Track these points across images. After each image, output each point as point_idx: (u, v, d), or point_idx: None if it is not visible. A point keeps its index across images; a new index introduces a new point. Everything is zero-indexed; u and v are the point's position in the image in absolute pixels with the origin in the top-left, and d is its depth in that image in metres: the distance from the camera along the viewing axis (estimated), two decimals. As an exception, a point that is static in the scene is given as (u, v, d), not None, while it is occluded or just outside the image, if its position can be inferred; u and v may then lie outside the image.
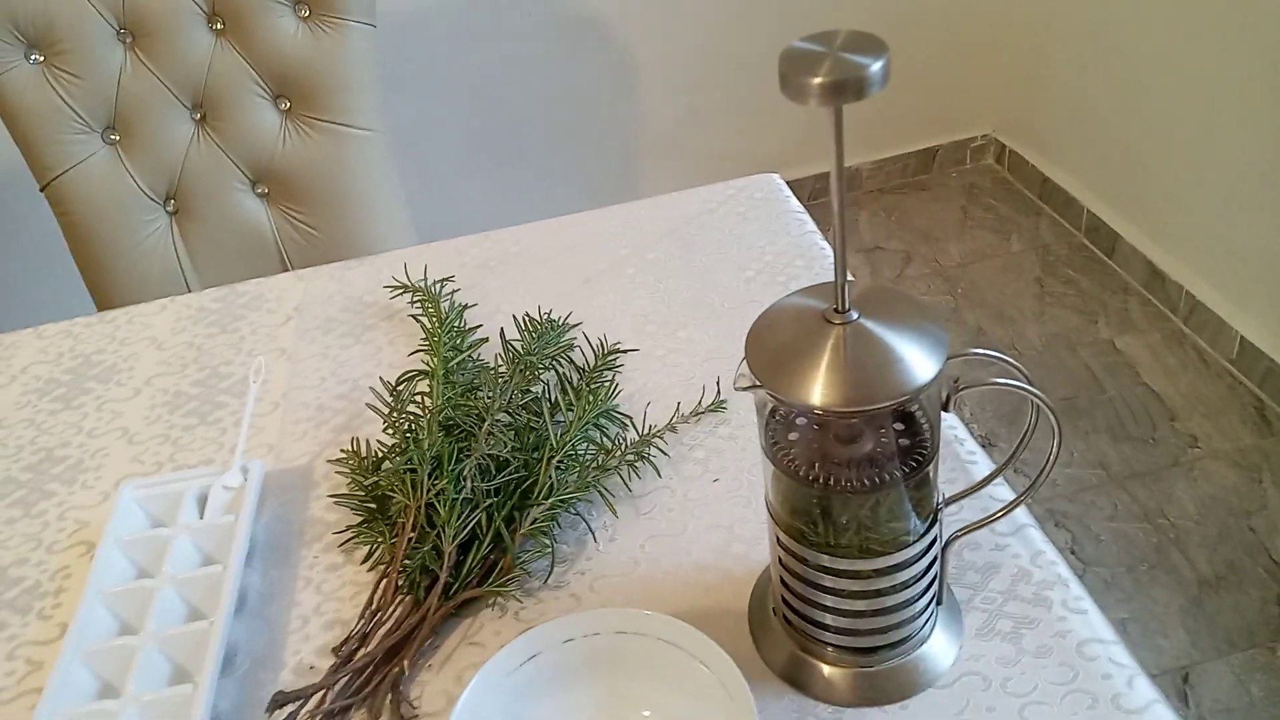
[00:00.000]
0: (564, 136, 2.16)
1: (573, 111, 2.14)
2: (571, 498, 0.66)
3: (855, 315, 0.47)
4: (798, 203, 0.94)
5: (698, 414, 0.75)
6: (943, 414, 0.51)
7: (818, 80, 0.38)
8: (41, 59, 1.19)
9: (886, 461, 0.50)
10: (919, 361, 0.46)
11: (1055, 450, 0.51)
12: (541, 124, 2.13)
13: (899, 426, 0.51)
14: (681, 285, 0.88)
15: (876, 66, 0.38)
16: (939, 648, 0.57)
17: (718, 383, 0.76)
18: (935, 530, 0.53)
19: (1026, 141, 2.36)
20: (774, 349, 0.47)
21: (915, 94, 2.31)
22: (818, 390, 0.45)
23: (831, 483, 0.49)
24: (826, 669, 0.56)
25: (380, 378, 0.77)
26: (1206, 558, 1.56)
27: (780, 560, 0.54)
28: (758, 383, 0.47)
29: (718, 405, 0.75)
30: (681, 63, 2.13)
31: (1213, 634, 1.46)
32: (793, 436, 0.52)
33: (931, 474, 0.51)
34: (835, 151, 0.42)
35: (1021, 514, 0.64)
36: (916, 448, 0.50)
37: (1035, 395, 0.50)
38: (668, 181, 2.28)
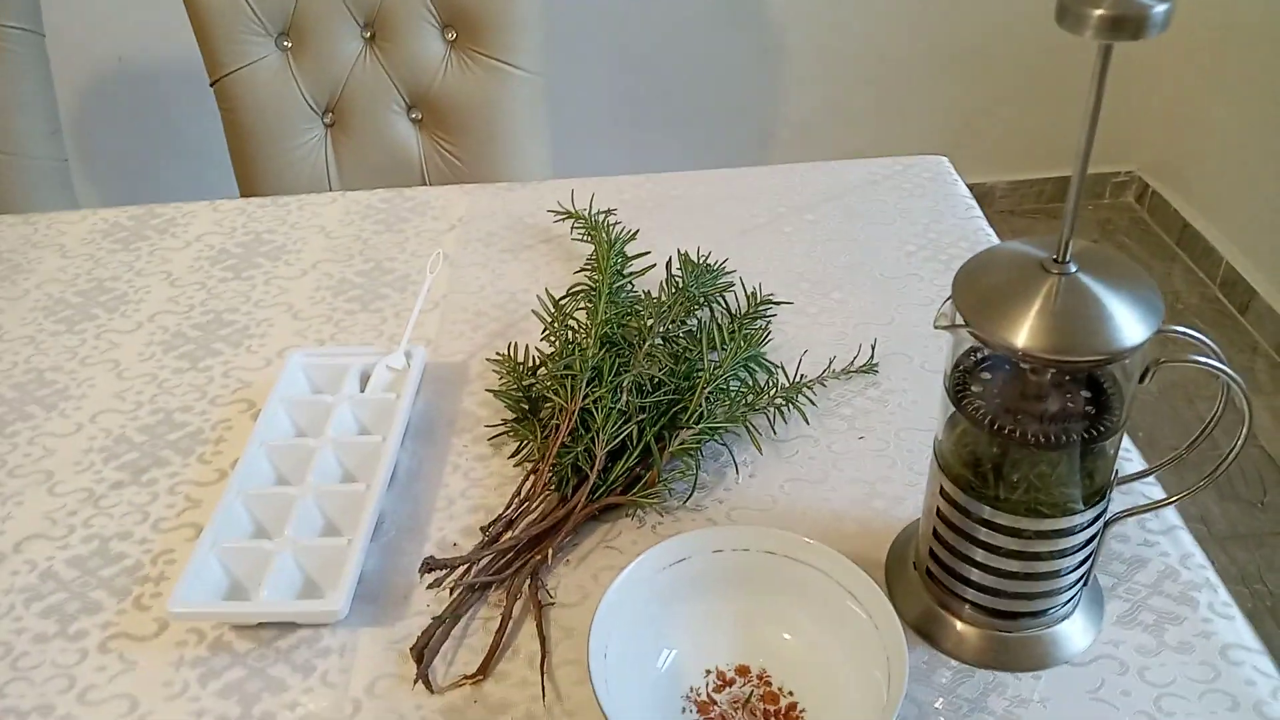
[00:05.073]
0: (704, 110, 2.17)
1: (717, 86, 2.14)
2: (720, 426, 0.67)
3: (1074, 268, 0.47)
4: (965, 188, 0.94)
5: (849, 372, 0.75)
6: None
7: (1099, 12, 0.38)
8: (232, -42, 1.24)
9: (1071, 422, 0.50)
10: (1129, 324, 0.46)
11: (1243, 436, 0.51)
12: (685, 93, 2.14)
13: (1087, 394, 0.51)
14: (839, 249, 0.88)
15: (1161, 9, 0.38)
16: (1079, 626, 0.57)
17: (873, 345, 0.77)
18: (1103, 505, 0.53)
19: (1172, 184, 2.30)
20: (984, 289, 0.47)
21: (1064, 119, 2.26)
22: (1024, 333, 0.45)
23: (1014, 433, 0.49)
24: (961, 626, 0.56)
25: (546, 288, 0.79)
26: (1304, 631, 1.50)
27: (938, 510, 0.54)
28: (961, 321, 0.47)
29: (869, 367, 0.75)
30: (830, 53, 2.12)
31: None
32: (975, 389, 0.52)
33: (1112, 447, 0.51)
34: (1094, 92, 0.42)
35: (1172, 515, 0.63)
36: (1103, 416, 0.50)
37: (1233, 378, 0.49)
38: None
